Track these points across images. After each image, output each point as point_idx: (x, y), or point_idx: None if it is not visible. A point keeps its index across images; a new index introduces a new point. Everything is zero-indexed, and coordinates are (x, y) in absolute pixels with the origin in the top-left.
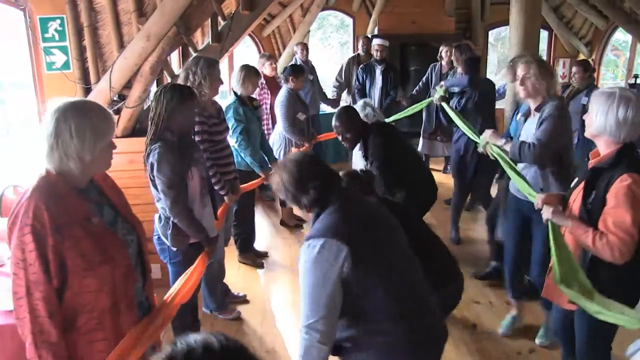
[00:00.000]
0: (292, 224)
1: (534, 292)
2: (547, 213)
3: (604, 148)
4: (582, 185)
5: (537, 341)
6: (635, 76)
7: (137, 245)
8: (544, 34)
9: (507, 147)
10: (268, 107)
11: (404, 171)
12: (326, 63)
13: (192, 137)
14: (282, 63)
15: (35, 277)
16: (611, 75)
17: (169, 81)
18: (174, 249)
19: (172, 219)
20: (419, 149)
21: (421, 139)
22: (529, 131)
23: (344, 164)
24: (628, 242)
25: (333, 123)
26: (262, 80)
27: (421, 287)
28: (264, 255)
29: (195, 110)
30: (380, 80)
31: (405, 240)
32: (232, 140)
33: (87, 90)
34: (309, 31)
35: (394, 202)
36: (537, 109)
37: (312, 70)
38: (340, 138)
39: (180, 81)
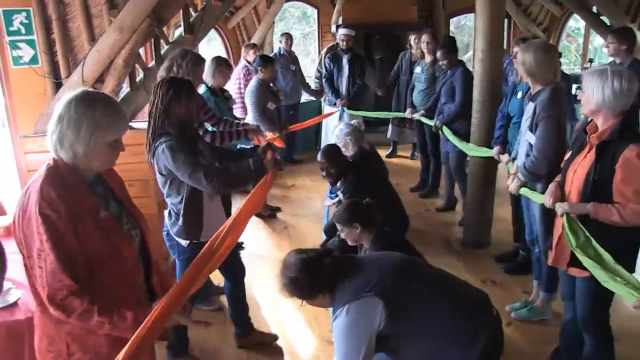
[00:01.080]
0: (266, 214)
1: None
2: (563, 208)
3: (602, 122)
4: (582, 157)
5: (512, 315)
6: (590, 60)
7: (141, 239)
8: None
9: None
10: None
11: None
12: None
13: (195, 128)
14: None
15: (52, 267)
16: (565, 60)
17: (142, 74)
18: (184, 244)
19: (181, 214)
20: (388, 135)
21: (390, 125)
22: (528, 113)
23: (313, 153)
24: None
25: (319, 159)
26: (249, 66)
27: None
28: (240, 246)
29: (196, 101)
30: (347, 69)
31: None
32: None
33: (58, 85)
34: (273, 22)
35: (391, 235)
36: (534, 98)
37: (295, 60)
38: (324, 173)
39: (162, 71)
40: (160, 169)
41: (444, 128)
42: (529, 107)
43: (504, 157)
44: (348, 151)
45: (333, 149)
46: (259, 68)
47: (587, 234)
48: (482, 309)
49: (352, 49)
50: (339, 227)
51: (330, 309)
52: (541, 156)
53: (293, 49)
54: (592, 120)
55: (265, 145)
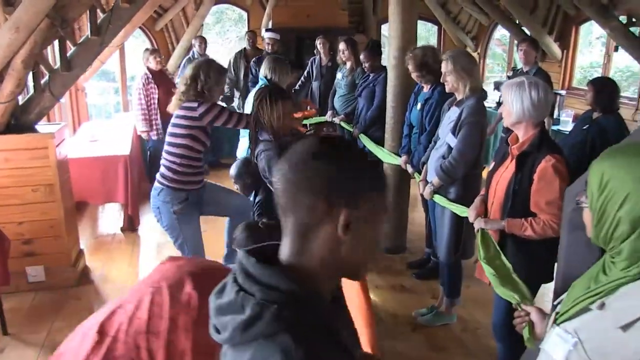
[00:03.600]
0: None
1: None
2: (479, 224)
3: (523, 133)
4: (504, 168)
5: (418, 320)
6: (513, 68)
7: None
8: (434, 29)
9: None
10: (156, 101)
11: None
12: (225, 57)
13: (288, 134)
14: (176, 57)
15: None
16: (499, 68)
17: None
18: (173, 212)
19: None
20: None
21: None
22: (451, 118)
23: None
24: (560, 216)
25: (231, 173)
26: (149, 74)
27: None
28: None
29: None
30: None
31: None
32: None
33: None
34: (202, 25)
35: None
36: (459, 103)
37: None
38: (239, 188)
39: (186, 78)
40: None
41: (361, 135)
42: (453, 112)
43: (410, 168)
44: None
45: (247, 163)
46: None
47: (498, 248)
48: None
49: (278, 52)
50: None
51: None
52: (461, 158)
53: (229, 52)
54: (512, 131)
55: None
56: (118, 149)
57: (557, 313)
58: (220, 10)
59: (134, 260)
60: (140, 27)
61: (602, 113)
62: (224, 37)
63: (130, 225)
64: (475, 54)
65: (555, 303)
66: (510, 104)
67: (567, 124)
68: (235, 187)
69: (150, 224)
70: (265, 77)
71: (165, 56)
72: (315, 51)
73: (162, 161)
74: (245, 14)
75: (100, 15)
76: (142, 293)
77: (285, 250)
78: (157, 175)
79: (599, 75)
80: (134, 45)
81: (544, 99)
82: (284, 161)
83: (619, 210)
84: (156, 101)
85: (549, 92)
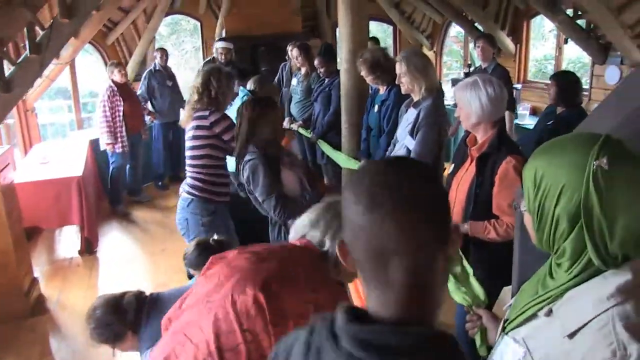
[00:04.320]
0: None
1: None
2: None
3: (482, 134)
4: (464, 171)
5: None
6: (469, 65)
7: None
8: (388, 29)
9: None
10: (121, 114)
11: None
12: (182, 68)
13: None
14: (129, 71)
15: None
16: (457, 65)
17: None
18: (202, 224)
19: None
20: None
21: None
22: (408, 120)
23: None
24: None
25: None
26: (114, 87)
27: None
28: None
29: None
30: None
31: None
32: None
33: None
34: (154, 37)
35: None
36: (416, 104)
37: (172, 76)
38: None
39: (197, 86)
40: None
41: (319, 141)
42: (410, 114)
43: None
44: None
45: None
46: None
47: (460, 252)
48: None
49: (232, 61)
50: (190, 271)
51: None
52: (420, 159)
53: (185, 63)
54: (470, 132)
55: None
56: (70, 169)
57: (505, 320)
58: (175, 21)
59: (92, 284)
60: (90, 42)
61: (565, 108)
62: (180, 48)
63: (88, 247)
64: (431, 53)
65: (504, 308)
66: (467, 105)
67: (524, 117)
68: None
69: (110, 245)
70: (250, 91)
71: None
72: (286, 57)
73: (188, 174)
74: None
75: (40, 33)
76: (200, 316)
77: (392, 305)
78: (185, 187)
79: (561, 70)
80: (89, 61)
81: (500, 94)
82: (380, 199)
83: (557, 206)
84: (121, 114)
85: (503, 87)
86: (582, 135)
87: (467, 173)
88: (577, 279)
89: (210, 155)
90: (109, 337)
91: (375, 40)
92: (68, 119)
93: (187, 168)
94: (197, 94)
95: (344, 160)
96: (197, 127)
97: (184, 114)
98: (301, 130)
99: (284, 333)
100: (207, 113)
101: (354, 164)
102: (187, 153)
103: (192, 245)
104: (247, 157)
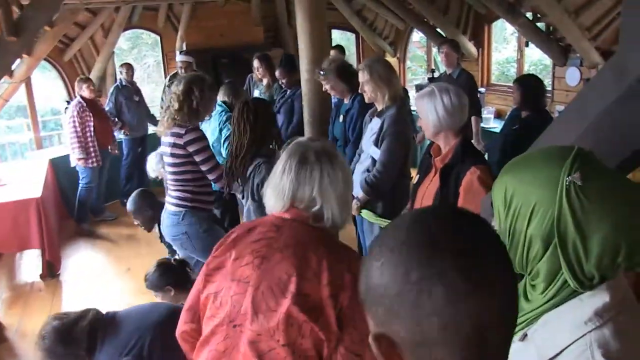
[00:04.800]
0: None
1: None
2: None
3: (444, 144)
4: (428, 181)
5: None
6: (432, 70)
7: None
8: (351, 37)
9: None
10: (92, 129)
11: None
12: (145, 82)
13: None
14: None
15: None
16: (421, 70)
17: None
18: (204, 231)
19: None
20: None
21: None
22: (373, 129)
23: None
24: None
25: (128, 208)
26: (83, 102)
27: None
28: None
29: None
30: None
31: None
32: None
33: None
34: (113, 52)
35: None
36: (380, 114)
37: (138, 91)
38: (139, 222)
39: (178, 95)
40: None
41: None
42: (374, 123)
43: None
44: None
45: (143, 194)
46: None
47: None
48: None
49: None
50: (152, 293)
51: None
52: (385, 170)
53: (147, 77)
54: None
55: None
56: (28, 191)
57: None
58: (136, 35)
59: (55, 309)
60: (46, 60)
61: (530, 111)
62: (142, 62)
63: (50, 271)
64: (394, 59)
65: None
66: (425, 115)
67: (489, 121)
68: (135, 223)
69: (74, 267)
70: (225, 102)
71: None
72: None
73: (172, 187)
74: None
75: None
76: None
77: None
78: (171, 201)
79: (524, 74)
80: (49, 78)
81: (457, 103)
82: (493, 277)
83: (529, 226)
84: (92, 129)
85: (462, 95)
86: (552, 149)
87: (432, 184)
88: (553, 302)
89: (191, 170)
90: None
91: (340, 48)
92: (28, 138)
93: (169, 182)
94: (177, 102)
95: None
96: (174, 145)
97: (161, 123)
98: None
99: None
100: (182, 131)
101: None
102: (168, 168)
103: (154, 267)
104: (260, 160)
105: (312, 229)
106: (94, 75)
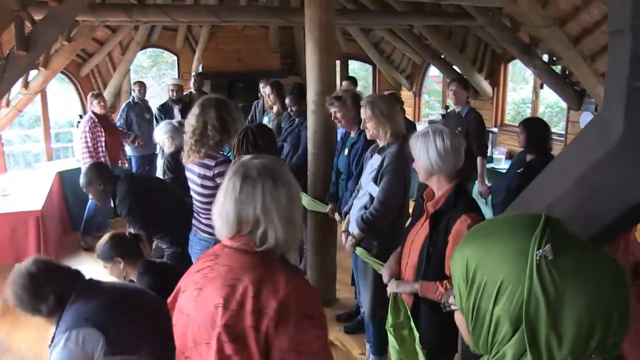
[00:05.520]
0: None
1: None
2: (391, 287)
3: (437, 188)
4: (419, 226)
5: None
6: (447, 107)
7: None
8: (368, 68)
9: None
10: (103, 144)
11: (158, 215)
12: (162, 101)
13: None
14: None
15: None
16: (439, 105)
17: None
18: None
19: None
20: None
21: None
22: (373, 165)
23: None
24: None
25: (81, 182)
26: (94, 117)
27: None
28: None
29: None
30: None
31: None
32: None
33: None
34: (129, 69)
35: (164, 265)
36: (381, 150)
37: (149, 109)
38: (92, 195)
39: (213, 121)
40: None
41: None
42: (374, 160)
43: (337, 216)
44: (166, 149)
45: (95, 167)
46: None
47: (409, 314)
48: None
49: (182, 99)
50: (102, 263)
51: None
52: (382, 208)
53: (166, 95)
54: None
55: None
56: (30, 203)
57: None
58: (157, 54)
59: (42, 324)
60: (63, 72)
61: (535, 155)
62: (160, 81)
63: None
64: (410, 93)
65: None
66: (418, 157)
67: (500, 162)
68: (90, 197)
69: None
70: None
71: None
72: (259, 94)
73: (204, 216)
74: None
75: None
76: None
77: None
78: (203, 228)
79: (530, 116)
80: (68, 91)
81: (450, 147)
82: None
83: (495, 306)
84: (103, 144)
85: (457, 139)
86: (519, 217)
87: (422, 229)
88: None
89: None
90: (22, 308)
91: (353, 79)
92: (41, 148)
93: (200, 211)
94: (214, 131)
95: (310, 203)
96: (203, 177)
97: (188, 149)
98: None
99: None
100: (212, 163)
101: (320, 207)
102: (197, 197)
103: (106, 237)
104: None
105: (247, 255)
106: (108, 91)
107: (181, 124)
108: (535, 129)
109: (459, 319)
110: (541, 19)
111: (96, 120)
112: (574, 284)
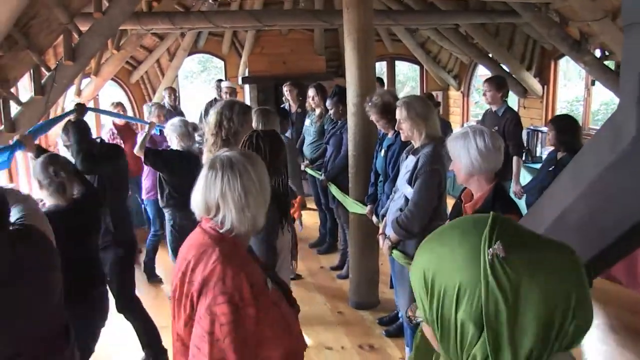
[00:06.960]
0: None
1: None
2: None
3: (476, 189)
4: None
5: None
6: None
7: None
8: (416, 69)
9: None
10: None
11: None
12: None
13: None
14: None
15: (220, 355)
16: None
17: None
18: None
19: None
20: None
21: None
22: (408, 167)
23: None
24: None
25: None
26: (114, 129)
27: None
28: None
29: None
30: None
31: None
32: None
33: None
34: (177, 75)
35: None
36: (415, 152)
37: (181, 114)
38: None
39: (210, 126)
40: None
41: (329, 183)
42: (409, 161)
43: (375, 218)
44: (172, 145)
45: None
46: None
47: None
48: None
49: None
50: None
51: None
52: (417, 211)
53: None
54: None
55: None
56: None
57: None
58: (206, 59)
59: None
60: (114, 80)
61: (565, 152)
62: (210, 86)
63: None
64: (458, 93)
65: None
66: (457, 158)
67: None
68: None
69: None
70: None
71: (142, 109)
72: (283, 98)
73: None
74: None
75: (46, 74)
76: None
77: None
78: None
79: (560, 114)
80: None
81: (492, 146)
82: None
83: (458, 311)
84: None
85: (498, 138)
86: (467, 220)
87: None
88: None
89: None
90: None
91: (380, 80)
92: None
93: None
94: (211, 135)
95: (351, 205)
96: None
97: (205, 155)
98: (309, 170)
99: None
100: None
101: (360, 209)
102: None
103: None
104: None
105: (206, 234)
106: (157, 97)
107: (195, 129)
108: (564, 126)
109: (427, 330)
110: (591, 12)
111: (115, 132)
112: (528, 278)
